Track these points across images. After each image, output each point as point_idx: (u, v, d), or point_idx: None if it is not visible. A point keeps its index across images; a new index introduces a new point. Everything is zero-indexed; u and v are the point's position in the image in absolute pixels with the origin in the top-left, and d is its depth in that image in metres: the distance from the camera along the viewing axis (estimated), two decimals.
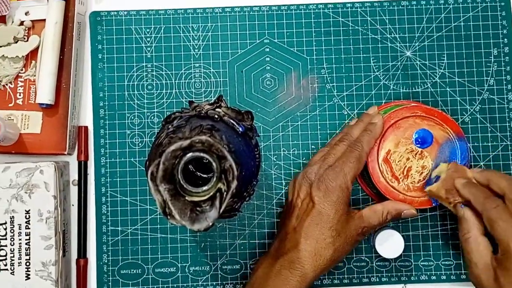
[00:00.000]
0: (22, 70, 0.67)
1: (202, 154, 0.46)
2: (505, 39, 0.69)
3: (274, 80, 0.69)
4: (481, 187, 0.56)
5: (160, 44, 0.69)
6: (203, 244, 0.68)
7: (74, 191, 0.69)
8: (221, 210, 0.47)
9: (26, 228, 0.67)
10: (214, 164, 0.46)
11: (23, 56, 0.67)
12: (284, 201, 0.68)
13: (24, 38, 0.67)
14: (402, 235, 0.64)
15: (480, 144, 0.68)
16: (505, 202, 0.54)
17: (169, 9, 0.69)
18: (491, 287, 0.53)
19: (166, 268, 0.67)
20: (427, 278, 0.67)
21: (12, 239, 0.66)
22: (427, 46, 0.69)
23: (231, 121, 0.53)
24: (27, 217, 0.67)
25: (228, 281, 0.67)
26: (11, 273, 0.65)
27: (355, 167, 0.59)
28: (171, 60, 0.68)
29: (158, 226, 0.67)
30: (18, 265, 0.65)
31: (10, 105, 0.68)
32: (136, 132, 0.68)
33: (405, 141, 0.65)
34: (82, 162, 0.68)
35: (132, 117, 0.68)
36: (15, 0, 0.68)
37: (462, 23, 0.69)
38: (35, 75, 0.68)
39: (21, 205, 0.67)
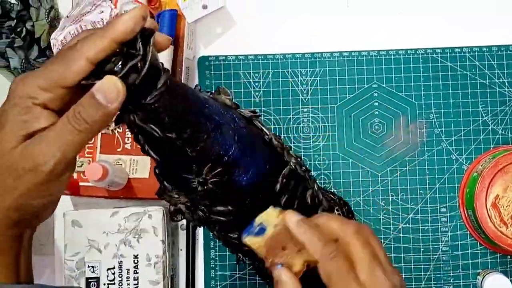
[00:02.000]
0: None
1: None
2: None
3: (382, 125, 0.65)
4: (318, 229, 0.43)
5: (269, 89, 0.65)
6: None
7: (182, 235, 0.65)
8: None
9: (134, 273, 0.65)
10: None
11: None
12: (392, 246, 0.65)
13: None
14: (510, 280, 0.63)
15: None
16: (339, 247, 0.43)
17: (278, 54, 0.65)
18: None
19: None
20: None
21: (120, 284, 0.64)
22: None
23: None
24: (135, 261, 0.64)
25: None
26: None
27: None
28: (279, 105, 0.65)
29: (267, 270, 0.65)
30: None
31: (118, 149, 0.64)
32: None
33: None
34: None
35: None
36: None
37: None
38: None
39: (130, 250, 0.64)
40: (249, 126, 0.47)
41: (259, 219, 0.46)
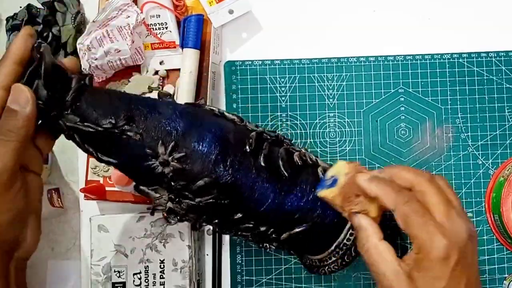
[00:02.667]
0: None
1: None
2: None
3: (408, 130, 0.64)
4: (389, 181, 0.45)
5: (295, 94, 0.64)
6: None
7: (208, 240, 0.64)
8: None
9: (160, 278, 0.64)
10: None
11: None
12: None
13: (159, 88, 0.63)
14: None
15: None
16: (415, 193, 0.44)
17: (304, 59, 0.64)
18: None
19: None
20: None
21: None
22: None
23: None
24: (162, 266, 0.64)
25: None
26: None
27: None
28: (305, 110, 0.64)
29: (293, 276, 0.62)
30: None
31: None
32: None
33: None
34: None
35: None
36: (150, 49, 0.64)
37: None
38: None
39: (156, 255, 0.63)
40: (192, 107, 0.48)
41: (329, 172, 0.48)
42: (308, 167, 0.51)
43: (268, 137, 0.49)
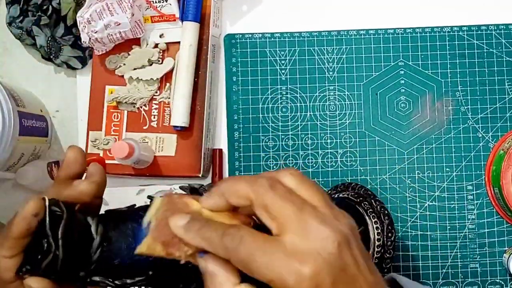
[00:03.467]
0: (156, 92, 0.63)
1: None
2: None
3: (408, 103, 0.64)
4: (211, 221, 0.33)
5: (295, 67, 0.64)
6: None
7: None
8: None
9: None
10: None
11: (157, 79, 0.62)
12: (418, 224, 0.66)
13: (159, 61, 0.62)
14: None
15: None
16: (256, 212, 0.32)
17: (304, 32, 0.63)
18: None
19: None
20: None
21: None
22: None
23: None
24: None
25: None
26: None
27: None
28: (305, 83, 0.63)
29: None
30: None
31: (144, 127, 0.63)
32: (271, 155, 0.63)
33: None
34: None
35: (267, 140, 0.64)
36: (149, 22, 0.64)
37: None
38: (169, 98, 0.64)
39: None
40: None
41: (146, 217, 0.35)
42: None
43: None
